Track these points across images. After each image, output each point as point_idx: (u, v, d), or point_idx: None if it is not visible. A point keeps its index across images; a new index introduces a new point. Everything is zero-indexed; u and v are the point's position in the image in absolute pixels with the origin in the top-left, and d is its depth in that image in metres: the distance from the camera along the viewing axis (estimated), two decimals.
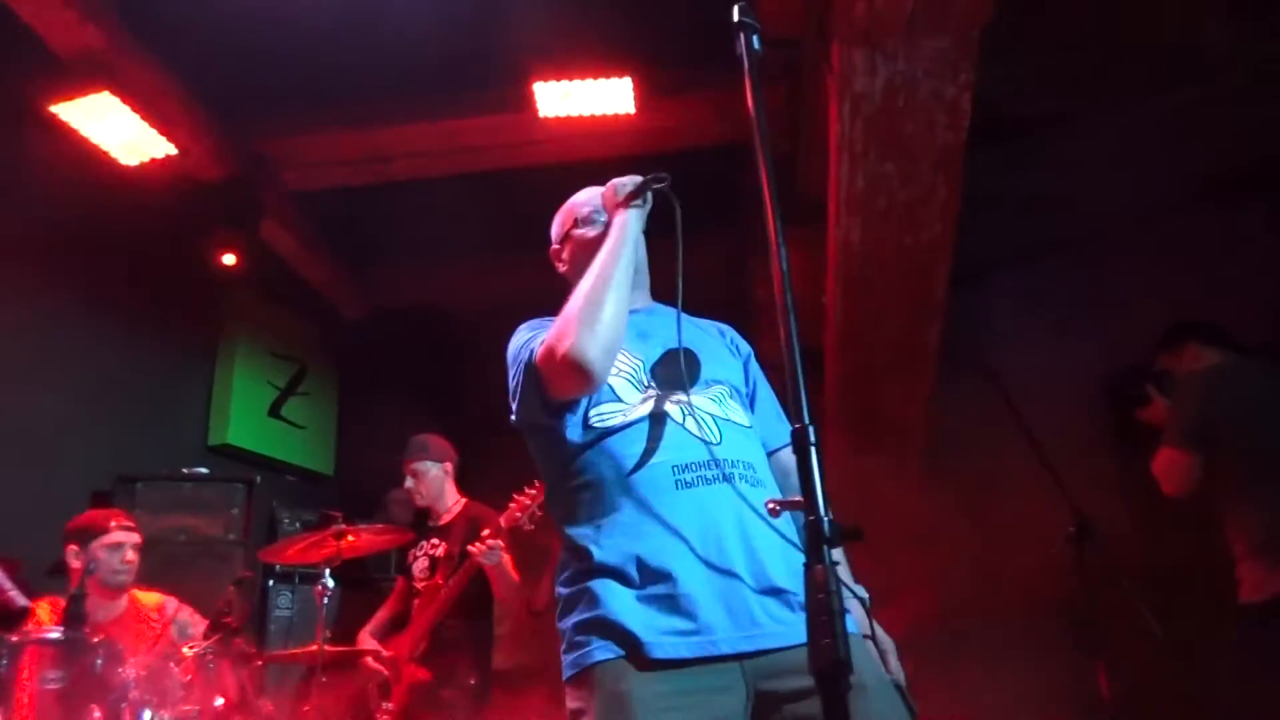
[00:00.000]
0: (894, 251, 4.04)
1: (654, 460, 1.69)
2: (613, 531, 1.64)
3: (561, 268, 2.09)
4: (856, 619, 1.58)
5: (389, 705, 3.78)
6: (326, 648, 3.45)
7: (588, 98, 4.58)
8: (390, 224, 5.71)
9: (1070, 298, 4.49)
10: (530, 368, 1.74)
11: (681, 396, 1.76)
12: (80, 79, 4.00)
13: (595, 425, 1.75)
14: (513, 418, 1.87)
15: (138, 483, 4.50)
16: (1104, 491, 3.61)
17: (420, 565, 4.04)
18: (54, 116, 4.08)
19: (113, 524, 3.43)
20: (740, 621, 1.53)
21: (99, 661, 2.59)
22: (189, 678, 2.79)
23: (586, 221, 1.98)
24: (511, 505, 3.69)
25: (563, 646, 1.63)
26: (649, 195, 1.83)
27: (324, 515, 5.12)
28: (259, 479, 4.87)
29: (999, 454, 3.53)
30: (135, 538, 3.48)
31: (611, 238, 1.79)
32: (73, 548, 3.37)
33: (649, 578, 1.58)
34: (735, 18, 1.46)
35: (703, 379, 1.85)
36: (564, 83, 4.50)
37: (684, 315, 1.87)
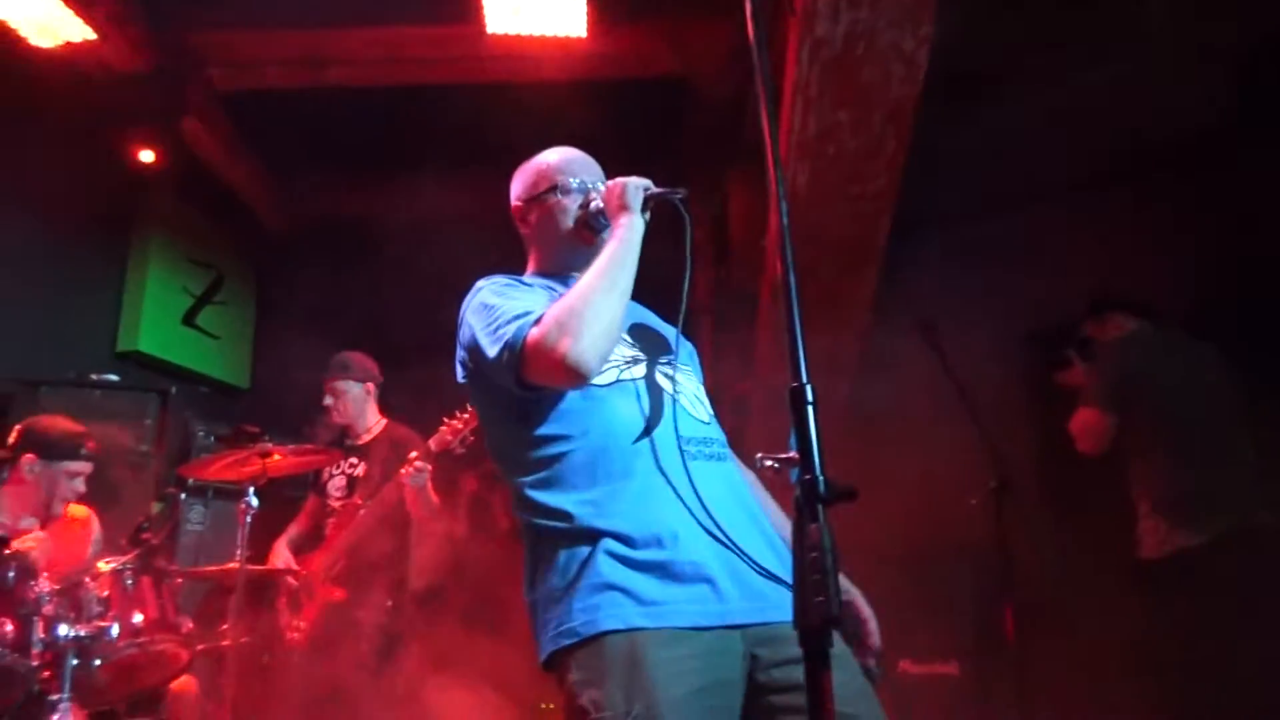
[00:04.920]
0: (839, 199, 4.06)
1: (660, 427, 1.69)
2: (617, 497, 1.61)
3: (523, 229, 2.01)
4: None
5: (300, 624, 3.75)
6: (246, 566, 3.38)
7: (539, 16, 4.43)
8: (321, 131, 5.47)
9: (999, 257, 4.59)
10: (515, 347, 1.64)
11: (667, 369, 1.79)
12: None
13: (590, 381, 1.72)
14: (463, 377, 1.83)
15: (41, 386, 4.27)
16: (1023, 444, 3.76)
17: (337, 484, 3.98)
18: None
19: (84, 450, 3.23)
20: (748, 593, 1.55)
21: (11, 575, 2.48)
22: (106, 593, 2.69)
23: (566, 191, 1.90)
24: (442, 428, 3.65)
25: (551, 614, 1.58)
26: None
27: (239, 430, 4.99)
28: (174, 389, 4.69)
29: (923, 405, 3.64)
30: (91, 467, 3.29)
31: (621, 242, 1.72)
32: (30, 458, 3.15)
33: (658, 545, 1.56)
34: None
35: (679, 358, 1.87)
36: None
37: (648, 311, 1.93)
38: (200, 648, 3.16)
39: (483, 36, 4.53)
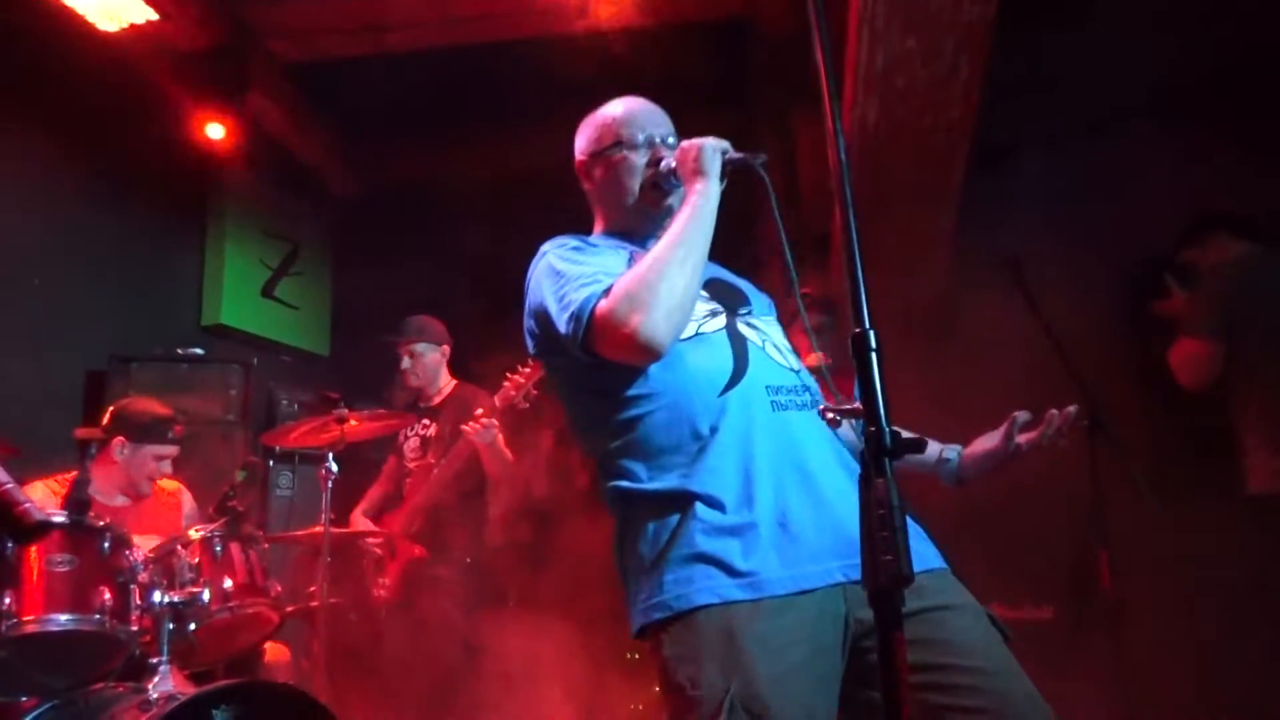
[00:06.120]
0: (911, 134, 3.88)
1: (747, 378, 1.59)
2: (704, 455, 1.52)
3: (587, 185, 1.91)
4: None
5: (385, 581, 3.85)
6: (331, 529, 3.47)
7: None
8: (385, 97, 5.47)
9: (1089, 183, 4.35)
10: (584, 320, 1.55)
11: (749, 319, 1.70)
12: None
13: None
14: (533, 348, 1.75)
15: (133, 363, 4.43)
16: (1116, 382, 3.58)
17: (412, 445, 4.07)
18: None
19: (171, 434, 3.33)
20: (846, 548, 1.44)
21: (106, 545, 2.57)
22: (197, 560, 2.78)
23: (633, 146, 1.79)
24: (505, 384, 3.70)
25: (642, 585, 1.52)
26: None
27: (321, 396, 5.09)
28: (256, 360, 4.81)
29: (1011, 341, 3.49)
30: (177, 450, 3.40)
31: (696, 210, 1.59)
32: (120, 440, 3.26)
33: (749, 505, 1.48)
34: None
35: (755, 308, 1.78)
36: None
37: (722, 268, 1.82)
38: (290, 609, 3.25)
39: None
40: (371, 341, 4.90)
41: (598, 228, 1.90)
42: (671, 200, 1.74)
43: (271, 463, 4.80)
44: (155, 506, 3.42)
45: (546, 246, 1.75)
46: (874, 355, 0.97)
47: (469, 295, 5.51)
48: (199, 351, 4.70)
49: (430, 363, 4.11)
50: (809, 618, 1.40)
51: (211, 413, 4.50)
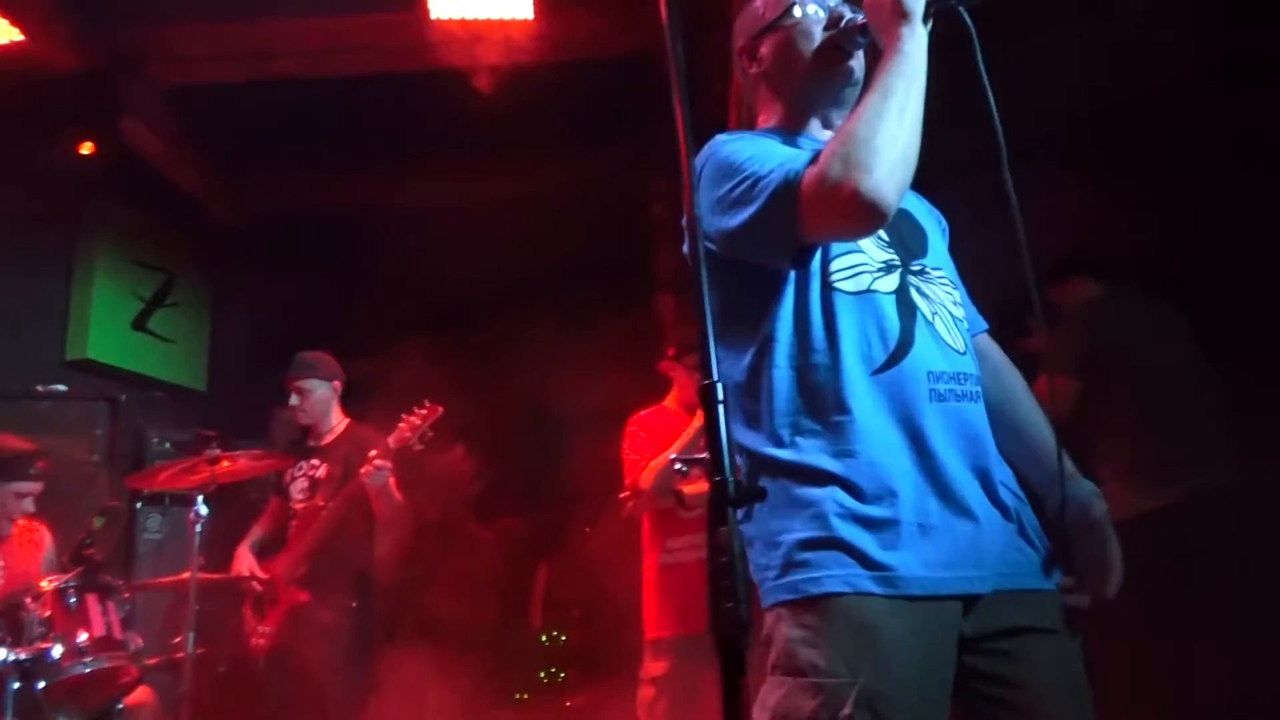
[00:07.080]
0: None
1: (909, 358, 1.43)
2: (848, 437, 1.39)
3: (753, 68, 1.65)
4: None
5: (265, 629, 3.71)
6: (200, 575, 3.31)
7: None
8: (269, 125, 5.34)
9: (974, 219, 4.53)
10: (787, 194, 1.36)
11: (920, 280, 1.52)
12: None
13: (837, 284, 1.46)
14: (710, 245, 1.47)
15: None
16: None
17: (299, 486, 3.94)
18: None
19: (33, 469, 3.18)
20: (979, 558, 1.38)
21: None
22: (48, 613, 2.62)
23: (805, 9, 1.57)
24: (401, 425, 3.63)
25: (769, 560, 1.40)
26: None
27: (198, 435, 4.89)
28: (124, 397, 4.59)
29: None
30: (40, 486, 3.23)
31: (902, 54, 1.38)
32: None
33: (891, 500, 1.36)
34: None
35: (931, 254, 1.59)
36: None
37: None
38: (152, 662, 3.09)
39: (427, 22, 4.43)
40: (252, 376, 4.75)
41: (763, 121, 1.67)
42: (854, 64, 1.56)
43: (140, 505, 4.57)
44: (15, 548, 3.23)
45: (721, 137, 1.56)
46: (720, 407, 0.99)
47: (355, 329, 5.40)
48: (61, 388, 4.46)
49: (321, 399, 4.00)
50: (936, 624, 1.35)
51: (74, 453, 4.27)
